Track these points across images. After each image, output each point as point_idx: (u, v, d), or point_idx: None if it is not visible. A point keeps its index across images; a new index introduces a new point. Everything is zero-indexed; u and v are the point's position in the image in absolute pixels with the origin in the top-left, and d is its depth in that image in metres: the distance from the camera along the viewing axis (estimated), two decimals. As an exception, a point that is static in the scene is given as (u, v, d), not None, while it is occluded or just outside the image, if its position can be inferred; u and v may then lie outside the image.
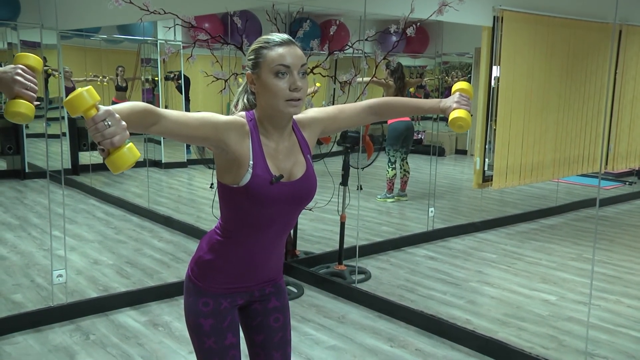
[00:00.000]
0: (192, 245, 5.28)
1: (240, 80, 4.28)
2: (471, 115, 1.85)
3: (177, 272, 4.55)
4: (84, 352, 3.30)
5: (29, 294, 4.09)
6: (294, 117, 1.81)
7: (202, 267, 1.79)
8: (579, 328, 3.65)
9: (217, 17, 7.09)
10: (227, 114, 1.75)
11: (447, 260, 5.02)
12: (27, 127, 8.14)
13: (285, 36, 1.69)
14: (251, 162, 1.67)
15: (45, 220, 5.98)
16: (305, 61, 1.71)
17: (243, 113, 1.74)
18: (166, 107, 9.29)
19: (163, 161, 8.65)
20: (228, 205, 1.73)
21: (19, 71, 1.51)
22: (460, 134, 10.55)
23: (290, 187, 1.73)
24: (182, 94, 9.06)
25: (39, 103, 1.54)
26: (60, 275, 3.81)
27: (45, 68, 9.39)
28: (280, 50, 1.65)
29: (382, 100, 1.98)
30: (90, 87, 1.30)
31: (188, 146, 8.86)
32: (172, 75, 8.88)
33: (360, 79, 4.58)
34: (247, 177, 1.66)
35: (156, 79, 9.00)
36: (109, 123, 1.29)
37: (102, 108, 1.30)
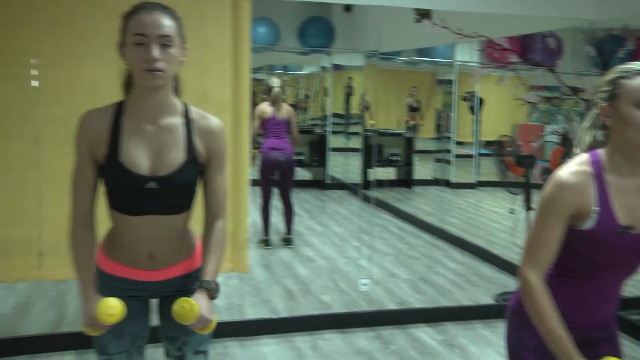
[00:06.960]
0: (484, 269, 5.22)
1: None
2: None
3: (471, 295, 4.54)
4: (385, 361, 3.48)
5: (335, 296, 4.44)
6: None
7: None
8: None
9: (514, 37, 6.94)
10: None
11: None
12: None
13: None
14: (596, 208, 1.59)
15: (345, 230, 6.48)
16: None
17: (585, 157, 1.65)
18: (456, 128, 9.36)
19: (452, 181, 8.73)
20: (565, 244, 1.67)
21: (91, 324, 1.74)
22: None
23: (638, 239, 1.61)
24: (474, 114, 9.06)
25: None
26: (365, 284, 4.07)
27: (349, 89, 10.28)
28: None
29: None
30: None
31: (477, 167, 8.84)
32: (468, 96, 8.94)
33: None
34: (591, 223, 1.59)
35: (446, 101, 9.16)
36: None
37: None
